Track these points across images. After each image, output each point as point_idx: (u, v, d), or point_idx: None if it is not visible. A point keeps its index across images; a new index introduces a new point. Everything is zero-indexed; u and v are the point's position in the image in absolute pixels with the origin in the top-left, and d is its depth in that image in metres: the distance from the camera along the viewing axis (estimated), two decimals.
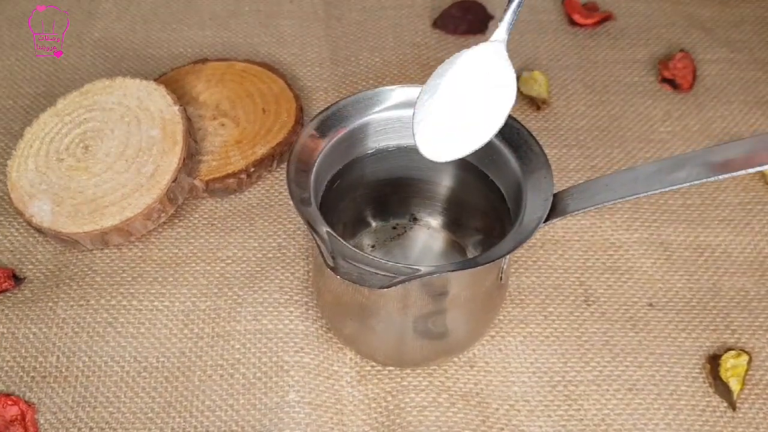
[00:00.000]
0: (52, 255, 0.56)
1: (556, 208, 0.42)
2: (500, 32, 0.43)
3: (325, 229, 0.40)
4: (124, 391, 0.49)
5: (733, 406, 0.49)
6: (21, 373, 0.50)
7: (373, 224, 0.55)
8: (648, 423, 0.48)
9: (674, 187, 0.38)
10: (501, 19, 0.43)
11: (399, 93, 0.46)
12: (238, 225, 0.58)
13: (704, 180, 0.37)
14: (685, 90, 0.68)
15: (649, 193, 0.39)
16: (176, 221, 0.58)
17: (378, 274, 0.38)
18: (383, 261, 0.39)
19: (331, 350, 0.51)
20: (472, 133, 0.41)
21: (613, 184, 0.40)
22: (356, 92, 0.46)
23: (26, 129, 0.59)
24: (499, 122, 0.41)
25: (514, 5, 0.43)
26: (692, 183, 0.37)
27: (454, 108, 0.42)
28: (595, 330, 0.53)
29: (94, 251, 0.56)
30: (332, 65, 0.70)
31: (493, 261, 0.39)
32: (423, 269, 0.38)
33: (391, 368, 0.50)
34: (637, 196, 0.39)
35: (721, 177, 0.37)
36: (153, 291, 0.54)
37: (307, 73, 0.69)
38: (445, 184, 0.51)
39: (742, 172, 0.37)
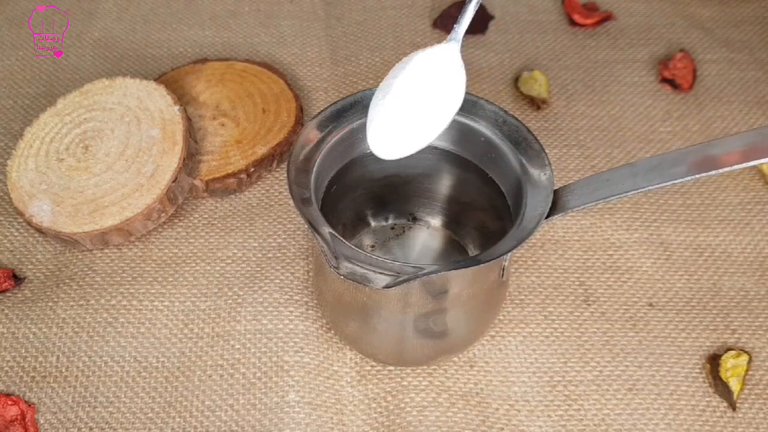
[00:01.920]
0: (52, 255, 0.56)
1: (557, 205, 0.42)
2: (457, 34, 0.43)
3: (327, 230, 0.40)
4: (124, 391, 0.49)
5: (733, 406, 0.49)
6: (21, 373, 0.50)
7: (373, 224, 0.55)
8: (648, 423, 0.48)
9: (675, 182, 0.38)
10: (458, 22, 0.43)
11: None
12: (238, 225, 0.58)
13: (705, 174, 0.37)
14: (685, 90, 0.68)
15: (650, 187, 0.38)
16: (176, 221, 0.58)
17: (381, 273, 0.38)
18: (386, 260, 0.39)
19: (331, 350, 0.51)
20: (419, 132, 0.43)
21: (613, 179, 0.40)
22: (356, 92, 0.46)
23: (26, 129, 0.59)
24: (445, 122, 0.43)
25: (471, 6, 0.43)
26: (693, 177, 0.37)
27: (404, 108, 0.43)
28: (595, 330, 0.53)
29: (94, 251, 0.56)
30: (332, 65, 0.70)
31: (496, 259, 0.39)
32: (426, 268, 0.38)
33: (391, 368, 0.50)
34: (639, 190, 0.39)
35: (722, 171, 0.37)
36: (153, 291, 0.54)
37: (307, 73, 0.69)
38: (444, 183, 0.51)
39: (743, 165, 0.36)
